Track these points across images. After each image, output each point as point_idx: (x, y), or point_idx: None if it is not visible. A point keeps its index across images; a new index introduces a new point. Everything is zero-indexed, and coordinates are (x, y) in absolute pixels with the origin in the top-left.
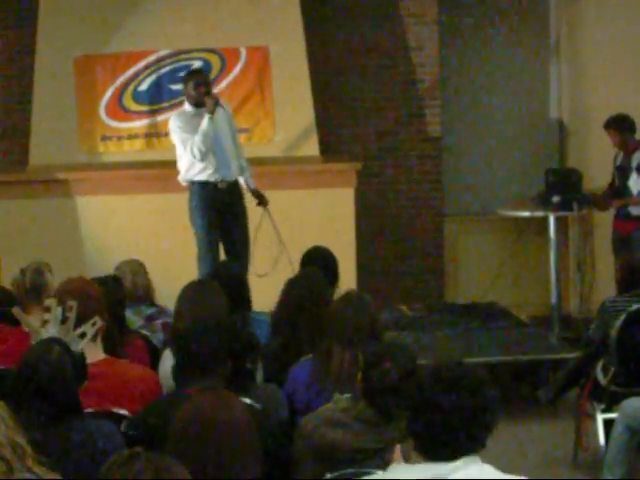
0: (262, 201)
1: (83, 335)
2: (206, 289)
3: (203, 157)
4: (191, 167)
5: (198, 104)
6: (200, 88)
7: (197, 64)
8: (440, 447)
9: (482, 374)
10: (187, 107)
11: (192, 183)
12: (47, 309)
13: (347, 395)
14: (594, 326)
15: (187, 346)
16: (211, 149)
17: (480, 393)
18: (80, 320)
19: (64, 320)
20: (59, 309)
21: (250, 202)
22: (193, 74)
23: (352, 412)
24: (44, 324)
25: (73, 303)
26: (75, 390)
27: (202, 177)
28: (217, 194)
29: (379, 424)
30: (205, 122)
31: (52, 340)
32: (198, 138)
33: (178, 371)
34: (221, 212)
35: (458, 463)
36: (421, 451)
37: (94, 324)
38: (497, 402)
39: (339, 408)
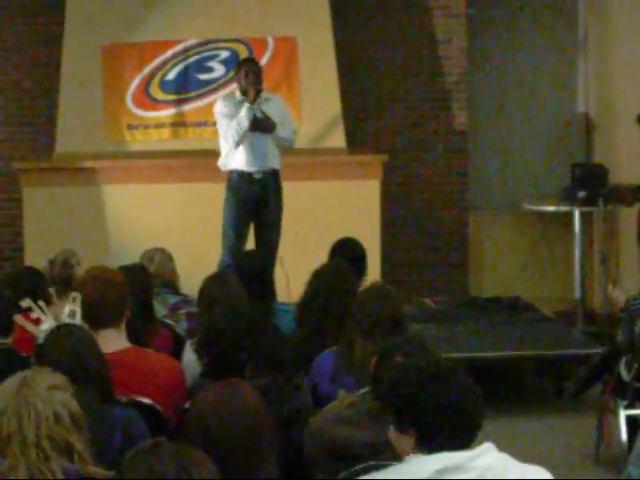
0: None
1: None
2: (223, 281)
3: (237, 144)
4: (230, 153)
5: (245, 92)
6: (248, 77)
7: (224, 54)
8: (447, 445)
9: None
10: (237, 93)
11: (230, 171)
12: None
13: (364, 390)
14: (620, 330)
15: (209, 344)
16: (248, 139)
17: (468, 379)
18: (104, 308)
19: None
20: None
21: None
22: (244, 62)
23: (359, 407)
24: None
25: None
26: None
27: (238, 166)
28: (252, 184)
29: (386, 416)
30: (243, 111)
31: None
32: (234, 125)
33: (205, 366)
34: (254, 202)
35: (476, 451)
36: (429, 448)
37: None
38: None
39: (345, 404)
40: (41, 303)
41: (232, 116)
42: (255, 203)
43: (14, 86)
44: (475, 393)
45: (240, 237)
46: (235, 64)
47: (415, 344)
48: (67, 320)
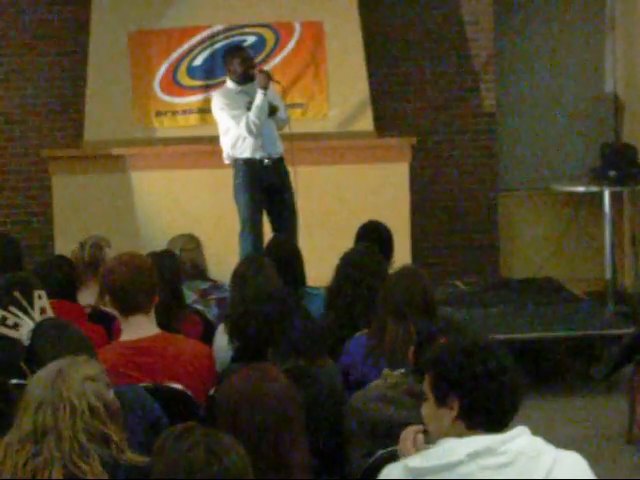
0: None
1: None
2: (259, 266)
3: (259, 132)
4: (236, 144)
5: (243, 80)
6: (247, 63)
7: (251, 39)
8: (491, 416)
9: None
10: (230, 84)
11: (236, 160)
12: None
13: (399, 371)
14: None
15: (243, 325)
16: (264, 124)
17: (509, 358)
18: (133, 293)
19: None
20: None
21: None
22: (237, 50)
23: (402, 387)
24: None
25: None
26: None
27: (247, 154)
28: (262, 171)
29: None
30: (259, 98)
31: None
32: (253, 114)
33: (237, 350)
34: (266, 189)
35: (509, 434)
36: (470, 422)
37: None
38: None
39: (389, 384)
40: (12, 308)
41: (239, 108)
42: (267, 189)
43: (42, 74)
44: (516, 370)
45: (259, 219)
46: (223, 56)
47: (455, 326)
48: (40, 317)
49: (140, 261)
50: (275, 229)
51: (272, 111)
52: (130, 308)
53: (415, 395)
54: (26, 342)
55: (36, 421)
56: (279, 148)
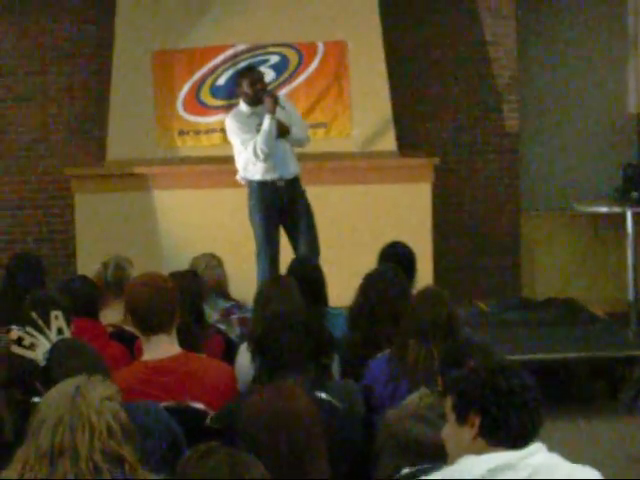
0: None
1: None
2: (282, 286)
3: (267, 157)
4: (247, 165)
5: (254, 102)
6: (256, 85)
7: (274, 59)
8: (512, 432)
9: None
10: (243, 107)
11: (250, 182)
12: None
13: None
14: None
15: (267, 344)
16: (273, 148)
17: (530, 378)
18: (155, 314)
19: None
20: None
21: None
22: (247, 72)
23: (438, 409)
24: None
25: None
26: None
27: (259, 176)
28: (276, 192)
29: None
30: (267, 123)
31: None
32: (260, 139)
33: (259, 369)
34: (282, 210)
35: (527, 450)
36: (491, 440)
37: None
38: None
39: (424, 404)
40: (29, 329)
41: (250, 130)
42: (281, 211)
43: (66, 93)
44: (536, 388)
45: (274, 243)
46: (236, 77)
47: (478, 348)
48: (57, 338)
49: (161, 281)
50: (295, 249)
51: (282, 133)
52: (151, 328)
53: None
54: (42, 363)
55: (54, 439)
56: (293, 168)
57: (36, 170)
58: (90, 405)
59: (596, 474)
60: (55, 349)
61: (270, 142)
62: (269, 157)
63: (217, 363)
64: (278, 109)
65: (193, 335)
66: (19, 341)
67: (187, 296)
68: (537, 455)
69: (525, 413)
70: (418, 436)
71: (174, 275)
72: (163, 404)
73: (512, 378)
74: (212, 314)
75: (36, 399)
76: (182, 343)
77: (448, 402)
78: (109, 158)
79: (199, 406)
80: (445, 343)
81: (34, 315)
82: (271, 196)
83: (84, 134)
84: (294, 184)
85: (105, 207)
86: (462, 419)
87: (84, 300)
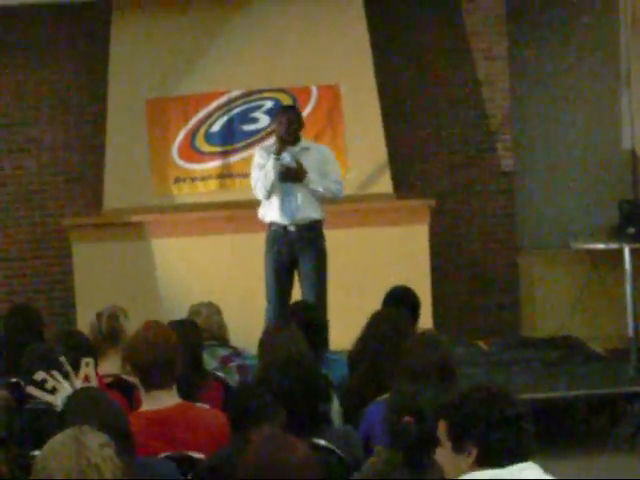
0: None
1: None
2: (284, 333)
3: (266, 197)
4: (265, 205)
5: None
6: (281, 126)
7: (268, 104)
8: (508, 457)
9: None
10: (273, 141)
11: (269, 223)
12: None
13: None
14: None
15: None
16: (280, 190)
17: (522, 404)
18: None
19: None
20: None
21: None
22: (285, 111)
23: (393, 462)
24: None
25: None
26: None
27: (274, 218)
28: (287, 236)
29: (424, 468)
30: (269, 163)
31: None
32: (261, 177)
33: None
34: (290, 255)
35: (518, 466)
36: (486, 462)
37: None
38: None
39: (381, 460)
40: (54, 372)
41: (264, 166)
42: (290, 256)
43: (60, 143)
44: (529, 415)
45: (282, 292)
46: (276, 111)
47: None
48: (82, 385)
49: (164, 337)
50: (303, 294)
51: (294, 178)
52: (154, 385)
53: (411, 466)
54: (59, 408)
55: None
56: (308, 214)
57: (33, 221)
58: (94, 453)
59: None
60: (73, 396)
61: (268, 182)
62: (269, 196)
63: (215, 412)
64: (303, 154)
65: (192, 385)
66: (42, 382)
67: (186, 345)
68: (530, 470)
69: (520, 440)
70: None
71: (173, 324)
72: (163, 454)
73: (506, 406)
74: (211, 362)
75: (36, 452)
76: (181, 393)
77: (442, 427)
78: (106, 207)
79: (199, 456)
80: (439, 386)
81: (62, 359)
82: (281, 241)
83: (80, 184)
84: (309, 230)
85: (103, 256)
86: (458, 448)
87: (82, 351)
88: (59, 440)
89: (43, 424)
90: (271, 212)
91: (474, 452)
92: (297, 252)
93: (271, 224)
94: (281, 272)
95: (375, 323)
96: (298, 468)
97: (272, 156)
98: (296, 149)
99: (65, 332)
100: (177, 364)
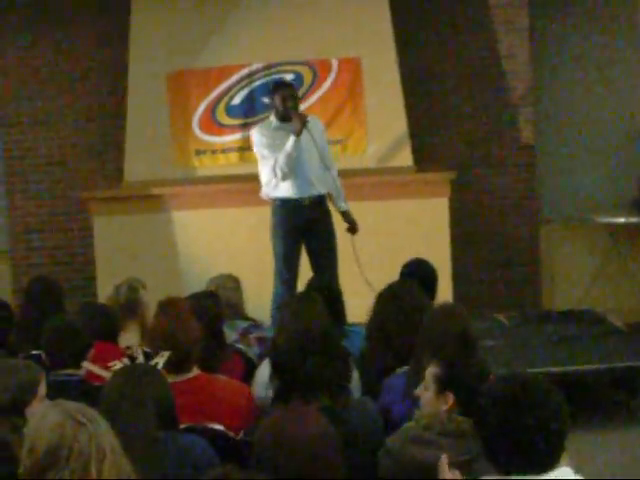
0: (352, 228)
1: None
2: (310, 303)
3: (285, 177)
4: (270, 182)
5: (283, 118)
6: (287, 102)
7: (289, 77)
8: (536, 461)
9: (543, 381)
10: (272, 119)
11: (274, 199)
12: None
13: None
14: None
15: (290, 362)
16: (294, 169)
17: (549, 402)
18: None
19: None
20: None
21: (356, 217)
22: (280, 86)
23: (436, 428)
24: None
25: (167, 353)
26: (173, 405)
27: (283, 194)
28: (299, 211)
29: (464, 435)
30: (290, 144)
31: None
32: (282, 159)
33: (280, 389)
34: (303, 229)
35: (554, 473)
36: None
37: (163, 356)
38: (565, 407)
39: (421, 425)
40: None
41: (272, 145)
42: (303, 230)
43: (82, 116)
44: (561, 411)
45: (292, 267)
46: (270, 88)
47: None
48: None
49: (185, 323)
50: (314, 268)
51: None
52: (177, 366)
53: (450, 434)
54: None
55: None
56: (319, 188)
57: (54, 193)
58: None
59: None
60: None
61: (291, 163)
62: (287, 177)
63: (235, 384)
64: (312, 128)
65: (212, 356)
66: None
67: (206, 317)
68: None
69: (550, 441)
70: (424, 461)
71: (193, 296)
72: (182, 426)
73: (537, 409)
74: (231, 334)
75: None
76: (201, 364)
77: (429, 373)
78: (126, 180)
79: (217, 427)
80: (459, 358)
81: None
82: (293, 215)
83: (101, 156)
84: (319, 204)
85: (124, 229)
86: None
87: (104, 324)
88: (51, 413)
89: (64, 396)
90: (281, 188)
91: (451, 397)
92: (309, 226)
93: (279, 199)
94: (294, 248)
95: (387, 298)
96: (316, 441)
97: (292, 138)
98: (309, 124)
99: (87, 304)
100: (197, 342)
